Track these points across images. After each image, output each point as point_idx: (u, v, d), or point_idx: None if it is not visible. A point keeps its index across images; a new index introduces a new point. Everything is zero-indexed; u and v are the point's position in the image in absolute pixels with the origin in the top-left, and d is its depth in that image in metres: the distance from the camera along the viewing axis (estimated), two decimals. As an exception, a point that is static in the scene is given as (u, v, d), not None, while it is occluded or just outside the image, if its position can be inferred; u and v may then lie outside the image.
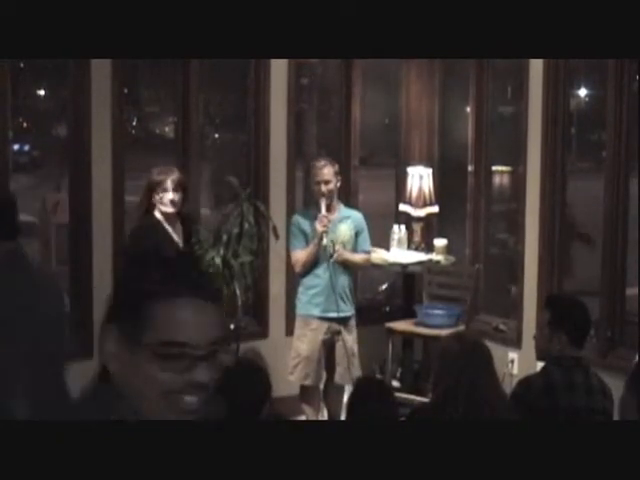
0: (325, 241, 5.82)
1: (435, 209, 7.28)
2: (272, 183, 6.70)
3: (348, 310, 6.01)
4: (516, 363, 6.55)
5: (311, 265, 5.92)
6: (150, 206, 5.50)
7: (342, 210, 6.04)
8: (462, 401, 3.48)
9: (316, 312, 5.92)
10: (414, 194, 7.22)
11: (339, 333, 5.95)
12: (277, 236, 6.34)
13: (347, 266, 5.99)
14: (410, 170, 7.30)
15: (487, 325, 6.96)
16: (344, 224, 5.97)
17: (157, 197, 5.47)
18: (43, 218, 8.59)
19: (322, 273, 5.89)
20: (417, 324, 6.68)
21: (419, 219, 7.27)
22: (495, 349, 4.02)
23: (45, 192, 9.90)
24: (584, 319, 4.16)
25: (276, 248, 6.53)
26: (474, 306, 7.00)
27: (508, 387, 4.24)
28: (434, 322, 6.62)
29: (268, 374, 3.77)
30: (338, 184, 5.97)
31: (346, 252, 5.94)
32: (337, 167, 6.00)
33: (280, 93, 6.72)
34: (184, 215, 5.61)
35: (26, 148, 22.23)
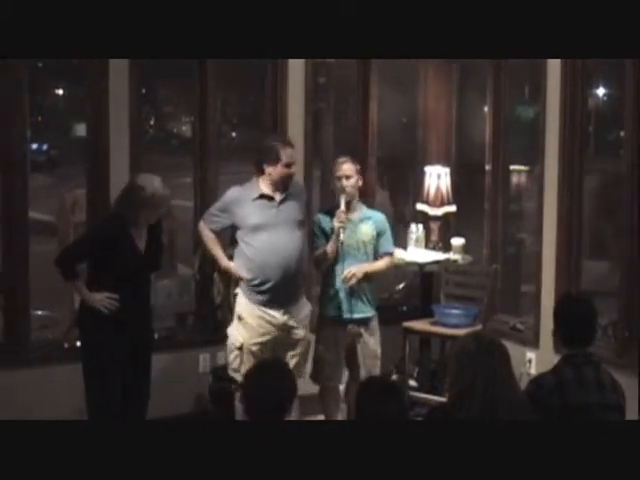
0: (342, 237, 5.74)
1: (452, 208, 7.27)
2: (289, 182, 6.70)
3: (368, 311, 5.93)
4: (534, 363, 6.55)
5: (330, 264, 5.86)
6: (130, 214, 5.32)
7: (363, 211, 5.97)
8: (479, 401, 3.47)
9: (334, 313, 5.86)
10: (432, 193, 7.22)
11: (359, 334, 5.89)
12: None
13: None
14: (428, 169, 7.30)
15: (504, 324, 6.95)
16: (365, 224, 5.90)
17: (148, 214, 5.30)
18: (61, 217, 8.61)
19: (340, 273, 5.83)
20: (434, 323, 6.67)
21: (436, 218, 7.27)
22: (512, 349, 4.01)
23: (63, 191, 9.91)
24: (573, 317, 4.14)
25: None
26: (491, 305, 6.98)
27: (525, 387, 4.23)
28: (451, 321, 6.61)
29: (294, 373, 3.77)
30: (360, 182, 5.92)
31: (361, 268, 5.83)
32: (358, 166, 5.97)
33: (297, 92, 6.72)
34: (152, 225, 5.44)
35: (44, 147, 22.32)
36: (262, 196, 5.60)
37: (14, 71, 5.83)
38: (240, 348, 5.63)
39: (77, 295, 5.56)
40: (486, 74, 7.13)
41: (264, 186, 5.63)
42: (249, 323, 5.61)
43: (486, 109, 7.23)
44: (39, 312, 7.60)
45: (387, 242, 6.02)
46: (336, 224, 5.73)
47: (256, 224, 5.56)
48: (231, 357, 5.70)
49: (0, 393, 5.82)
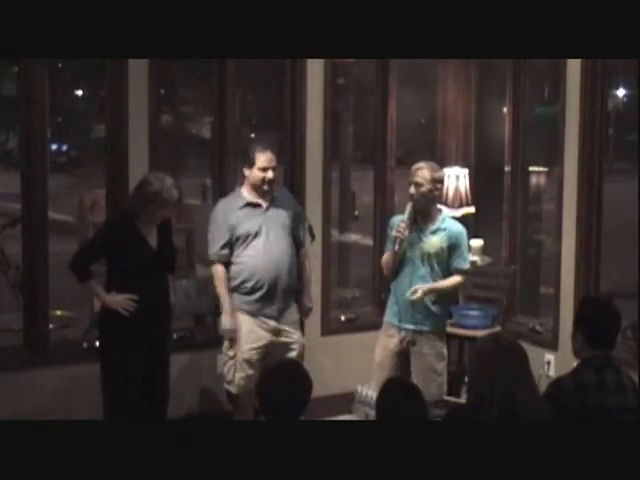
0: (396, 247, 5.57)
1: (471, 209, 7.25)
2: (308, 183, 6.70)
3: (427, 324, 5.71)
4: (552, 364, 6.52)
5: (393, 270, 5.73)
6: (138, 210, 5.35)
7: (442, 220, 5.72)
8: (497, 402, 3.46)
9: (393, 320, 5.77)
10: (450, 194, 7.20)
11: (414, 344, 5.73)
12: (313, 236, 6.33)
13: (434, 279, 5.69)
14: (446, 170, 7.28)
15: (523, 326, 6.92)
16: (436, 236, 5.65)
17: (155, 211, 5.33)
18: (81, 217, 8.64)
19: (403, 281, 5.70)
20: (453, 325, 6.66)
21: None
22: (531, 350, 3.99)
23: (82, 191, 9.95)
24: (598, 320, 4.13)
25: (312, 248, 6.52)
26: (510, 307, 6.97)
27: (544, 389, 4.22)
28: (470, 323, 6.61)
29: (309, 375, 3.77)
30: (436, 192, 5.62)
31: (427, 287, 5.59)
32: (439, 173, 5.66)
33: (316, 93, 6.72)
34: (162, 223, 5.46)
35: (64, 148, 22.40)
36: (248, 204, 5.70)
37: (34, 71, 5.85)
38: (233, 357, 5.72)
39: (95, 297, 5.59)
40: (505, 74, 7.10)
41: (247, 193, 5.75)
42: (241, 330, 5.69)
43: (505, 109, 7.21)
44: (58, 312, 7.63)
45: (460, 257, 5.74)
46: (393, 234, 5.59)
47: (245, 232, 5.68)
48: (225, 369, 5.81)
49: (19, 393, 5.85)
